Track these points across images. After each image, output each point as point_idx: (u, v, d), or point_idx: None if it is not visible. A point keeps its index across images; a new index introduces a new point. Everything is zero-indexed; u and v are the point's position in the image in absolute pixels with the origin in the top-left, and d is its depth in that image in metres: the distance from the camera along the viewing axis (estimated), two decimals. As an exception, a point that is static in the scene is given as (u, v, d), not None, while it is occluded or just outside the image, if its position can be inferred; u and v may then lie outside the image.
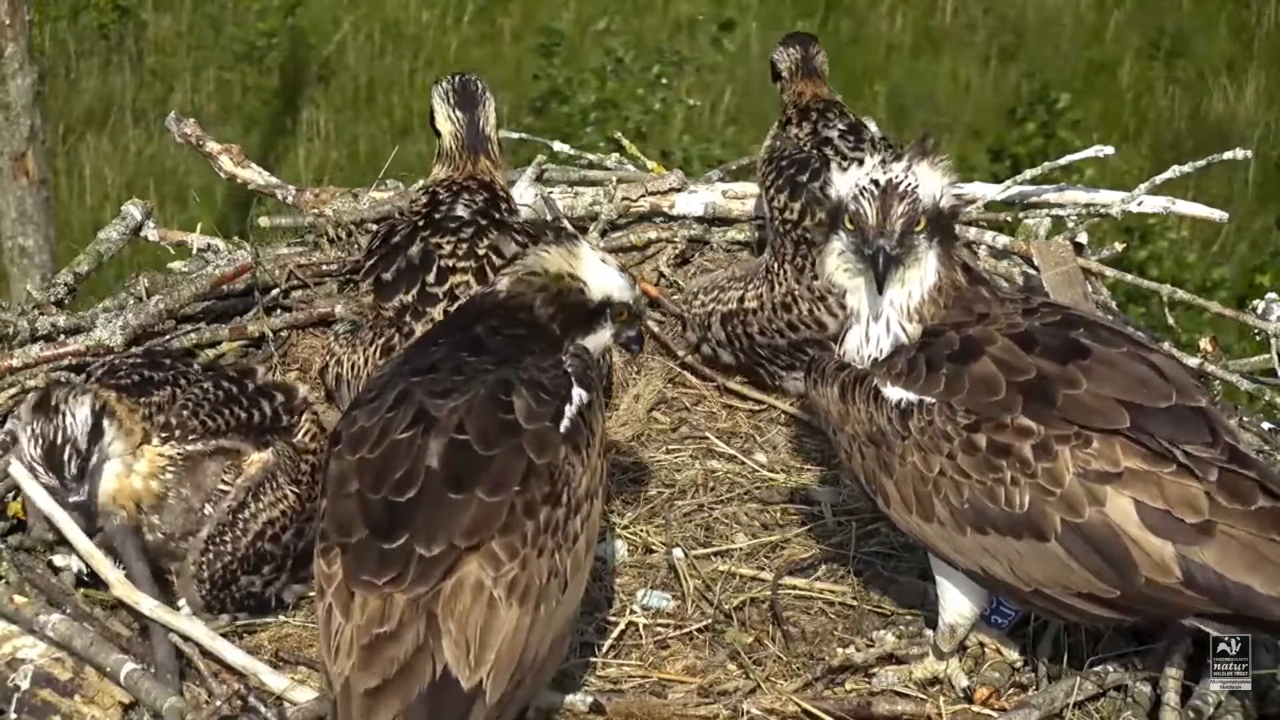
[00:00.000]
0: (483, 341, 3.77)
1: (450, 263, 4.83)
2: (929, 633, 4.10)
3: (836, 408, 3.92)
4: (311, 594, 4.33)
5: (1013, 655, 4.06)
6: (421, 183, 5.28)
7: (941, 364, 3.75)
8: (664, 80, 13.98)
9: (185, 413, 4.26)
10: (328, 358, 5.00)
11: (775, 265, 5.29)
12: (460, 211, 4.98)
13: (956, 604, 3.94)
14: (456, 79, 5.19)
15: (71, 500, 4.06)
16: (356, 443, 3.55)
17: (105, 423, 4.11)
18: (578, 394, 3.70)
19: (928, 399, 3.74)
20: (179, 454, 4.23)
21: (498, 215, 4.99)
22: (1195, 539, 3.54)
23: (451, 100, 5.13)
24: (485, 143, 5.12)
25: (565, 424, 3.60)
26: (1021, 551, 3.67)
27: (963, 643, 4.02)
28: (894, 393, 3.80)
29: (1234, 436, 3.68)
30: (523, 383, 3.61)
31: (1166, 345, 5.49)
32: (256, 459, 4.31)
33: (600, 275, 3.93)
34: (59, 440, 4.03)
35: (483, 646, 3.32)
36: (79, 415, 4.05)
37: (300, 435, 4.46)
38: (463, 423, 3.50)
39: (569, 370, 3.76)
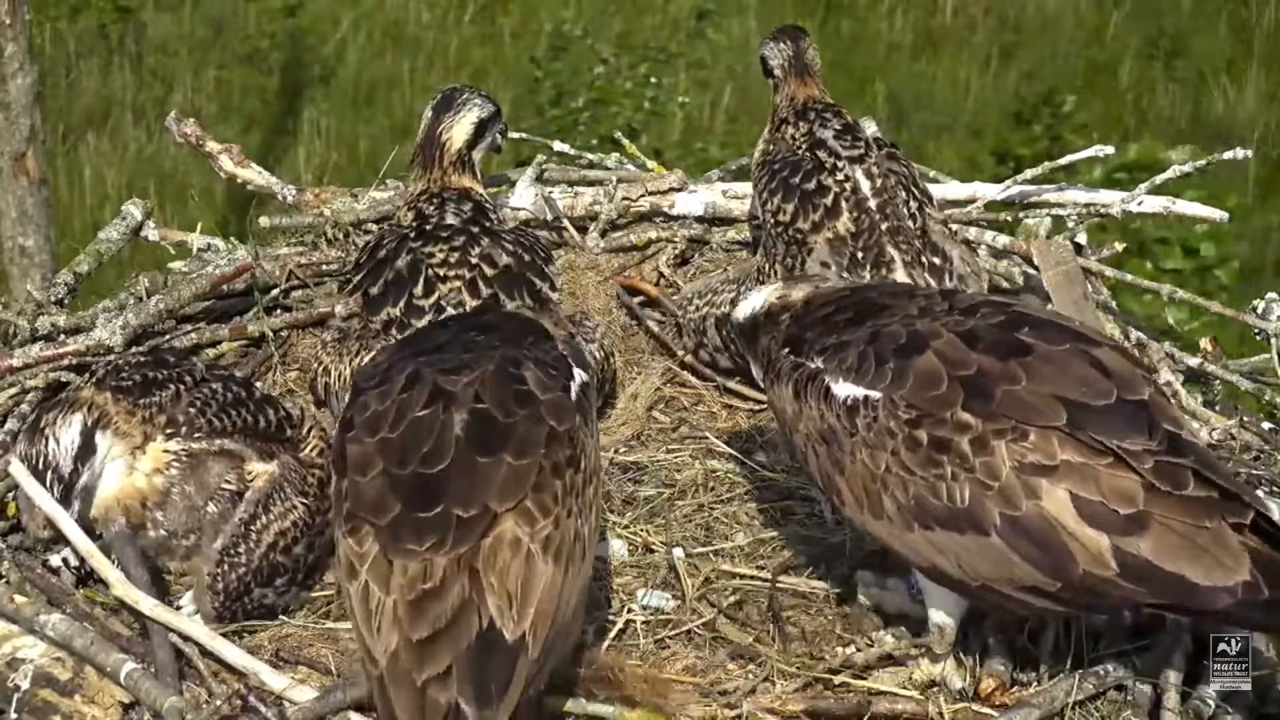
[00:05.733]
0: (489, 325, 3.91)
1: (441, 271, 4.83)
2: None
3: (791, 407, 3.98)
4: (312, 595, 4.35)
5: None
6: (409, 192, 5.25)
7: (889, 358, 3.80)
8: (653, 79, 13.94)
9: (192, 410, 4.28)
10: (316, 367, 4.99)
11: (767, 266, 5.28)
12: (450, 220, 4.98)
13: (940, 602, 3.95)
14: (450, 87, 5.25)
15: None
16: (374, 425, 3.57)
17: (98, 436, 4.12)
18: (578, 374, 3.82)
19: (873, 394, 3.78)
20: (183, 450, 4.24)
21: (487, 224, 5.00)
22: (1130, 530, 3.55)
23: (432, 102, 5.19)
24: (438, 148, 5.10)
25: (574, 395, 3.70)
26: (966, 546, 3.68)
27: (955, 643, 4.00)
28: (842, 389, 3.84)
29: (1177, 425, 3.69)
30: (529, 359, 3.71)
31: (1167, 345, 5.51)
32: (262, 471, 4.32)
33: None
34: (41, 465, 4.09)
35: (524, 601, 3.34)
36: (64, 439, 4.10)
37: (307, 450, 4.47)
38: (479, 394, 3.56)
39: (565, 354, 3.88)
